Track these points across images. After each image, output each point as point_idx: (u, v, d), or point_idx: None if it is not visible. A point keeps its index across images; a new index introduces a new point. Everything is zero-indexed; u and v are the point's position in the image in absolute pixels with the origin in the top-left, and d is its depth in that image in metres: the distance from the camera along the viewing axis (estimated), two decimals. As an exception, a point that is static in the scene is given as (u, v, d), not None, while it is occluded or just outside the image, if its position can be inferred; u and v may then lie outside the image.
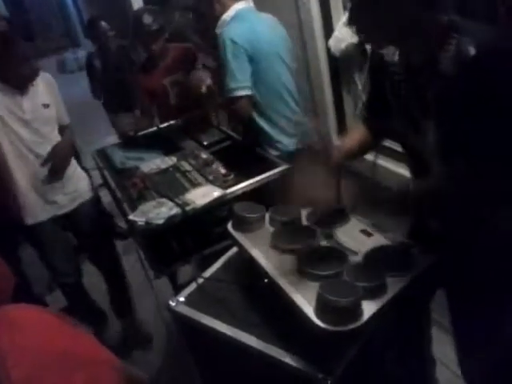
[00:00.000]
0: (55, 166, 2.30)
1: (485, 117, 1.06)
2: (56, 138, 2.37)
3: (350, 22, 1.22)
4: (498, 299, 1.29)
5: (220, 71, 2.35)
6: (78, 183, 2.50)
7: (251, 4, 2.30)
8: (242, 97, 2.20)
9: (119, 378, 0.72)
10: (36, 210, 2.34)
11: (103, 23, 3.92)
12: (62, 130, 2.46)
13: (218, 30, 2.26)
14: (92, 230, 2.56)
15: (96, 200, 2.62)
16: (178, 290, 1.68)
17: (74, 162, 2.51)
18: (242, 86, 2.18)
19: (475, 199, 1.21)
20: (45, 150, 2.29)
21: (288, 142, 2.38)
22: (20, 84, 2.20)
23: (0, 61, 2.12)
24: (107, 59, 3.96)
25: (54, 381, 0.60)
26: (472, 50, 1.08)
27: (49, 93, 2.35)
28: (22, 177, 2.27)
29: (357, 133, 1.61)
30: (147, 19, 2.67)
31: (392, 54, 1.30)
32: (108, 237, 2.76)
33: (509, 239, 1.22)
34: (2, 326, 0.63)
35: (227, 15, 2.23)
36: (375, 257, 1.29)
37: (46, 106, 2.31)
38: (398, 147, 1.80)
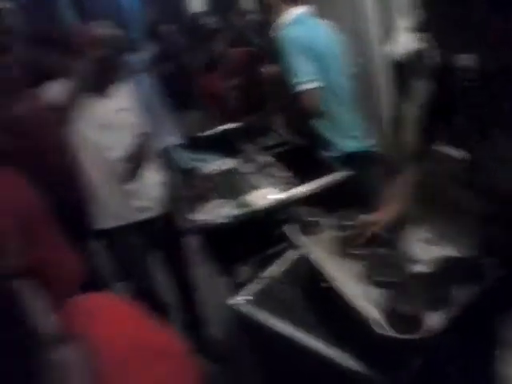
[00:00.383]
0: (130, 165, 2.30)
1: None
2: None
3: (423, 28, 1.21)
4: None
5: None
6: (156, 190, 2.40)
7: (309, 9, 2.31)
8: (308, 90, 2.18)
9: (193, 372, 0.73)
10: (115, 213, 2.28)
11: (166, 26, 4.04)
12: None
13: (273, 34, 2.28)
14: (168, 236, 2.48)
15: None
16: (235, 289, 1.70)
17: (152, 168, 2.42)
18: (307, 79, 2.16)
19: None
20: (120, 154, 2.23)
21: (344, 144, 2.36)
22: (100, 87, 2.17)
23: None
24: (172, 60, 4.06)
25: (138, 371, 0.62)
26: None
27: (128, 97, 2.28)
28: (100, 180, 2.23)
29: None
30: (205, 20, 2.74)
31: (464, 59, 1.28)
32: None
33: None
34: (85, 316, 0.66)
35: (285, 19, 2.24)
36: (442, 267, 1.26)
37: (124, 110, 2.24)
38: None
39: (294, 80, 2.17)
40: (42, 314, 0.57)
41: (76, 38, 2.10)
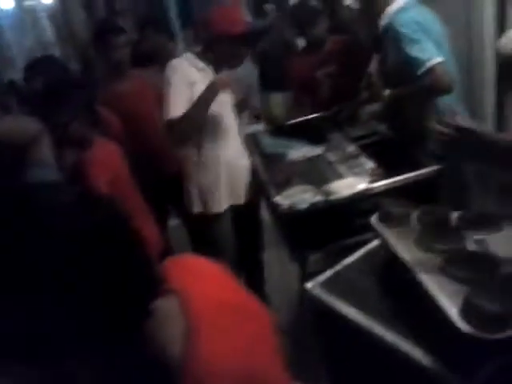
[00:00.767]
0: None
1: None
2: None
3: None
4: None
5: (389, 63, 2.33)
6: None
7: None
8: (440, 63, 2.07)
9: (275, 334, 0.77)
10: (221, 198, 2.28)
11: (270, 4, 4.08)
12: None
13: (383, 22, 2.24)
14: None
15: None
16: (307, 277, 1.71)
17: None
18: (434, 54, 2.08)
19: None
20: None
21: None
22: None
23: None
24: (272, 40, 4.11)
25: (229, 328, 0.66)
26: None
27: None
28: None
29: None
30: (309, 3, 2.76)
31: None
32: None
33: None
34: (184, 273, 0.72)
35: (394, 6, 2.20)
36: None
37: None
38: None
39: (421, 57, 2.08)
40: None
41: (216, 19, 2.15)
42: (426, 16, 2.22)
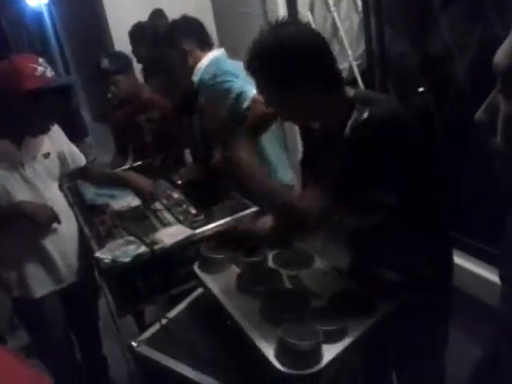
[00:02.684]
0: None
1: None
2: (54, 192, 2.07)
3: None
4: None
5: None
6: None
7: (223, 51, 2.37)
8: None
9: None
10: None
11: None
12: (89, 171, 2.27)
13: (195, 78, 2.31)
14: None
15: None
16: (143, 329, 1.65)
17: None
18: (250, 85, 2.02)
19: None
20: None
21: None
22: (19, 138, 1.90)
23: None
24: None
25: None
26: (366, 115, 1.21)
27: (48, 138, 2.01)
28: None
29: None
30: (103, 63, 2.77)
31: None
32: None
33: None
34: None
35: (203, 63, 2.28)
36: (337, 300, 1.31)
37: (47, 155, 1.99)
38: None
39: (243, 95, 2.12)
40: None
41: None
42: (235, 64, 2.26)
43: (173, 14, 2.68)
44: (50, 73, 1.84)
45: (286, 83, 1.22)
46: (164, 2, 3.69)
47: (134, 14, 3.71)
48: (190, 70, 2.31)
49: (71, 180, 2.64)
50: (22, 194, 1.89)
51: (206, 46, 2.33)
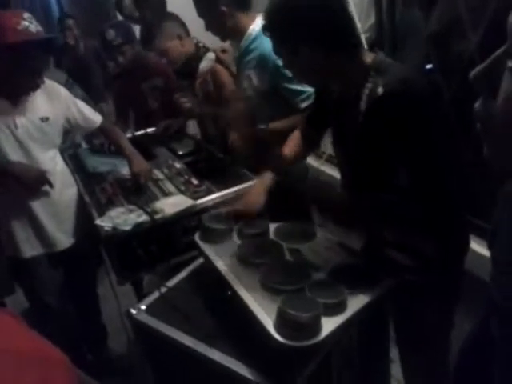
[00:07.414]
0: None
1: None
2: (50, 156, 2.08)
3: None
4: None
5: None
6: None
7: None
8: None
9: (71, 379, 0.70)
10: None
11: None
12: (107, 132, 2.31)
13: (243, 43, 2.08)
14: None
15: None
16: (141, 298, 1.65)
17: None
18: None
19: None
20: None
21: None
22: (13, 95, 1.93)
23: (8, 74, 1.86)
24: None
25: (5, 378, 0.58)
26: (380, 91, 1.19)
27: (50, 104, 2.04)
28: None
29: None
30: (109, 35, 2.72)
31: None
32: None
33: None
34: None
35: (256, 27, 2.02)
36: (338, 274, 1.30)
37: (45, 119, 2.01)
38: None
39: (301, 89, 1.96)
40: None
41: None
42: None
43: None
44: (34, 28, 1.81)
45: (295, 45, 1.22)
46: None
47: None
48: (231, 32, 2.09)
49: (89, 142, 2.75)
50: (13, 153, 1.93)
51: (246, 5, 2.06)
